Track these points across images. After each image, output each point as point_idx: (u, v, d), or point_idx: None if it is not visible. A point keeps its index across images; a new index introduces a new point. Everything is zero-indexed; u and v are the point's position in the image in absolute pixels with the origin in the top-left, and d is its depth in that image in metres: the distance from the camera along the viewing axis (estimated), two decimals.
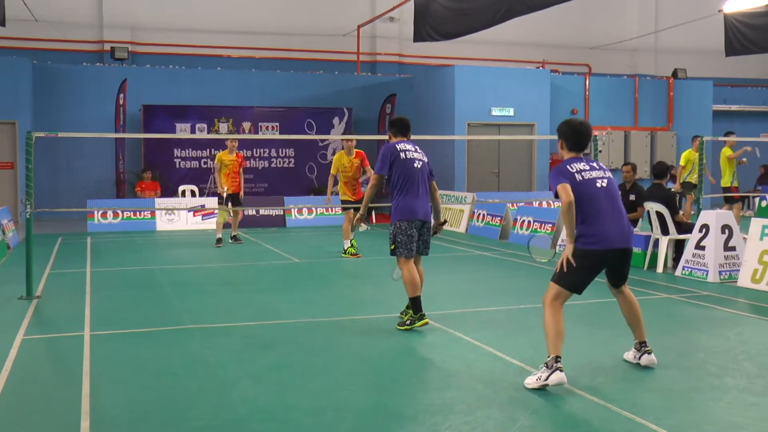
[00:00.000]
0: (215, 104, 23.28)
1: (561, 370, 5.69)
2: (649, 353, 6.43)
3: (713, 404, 5.78)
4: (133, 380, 6.21)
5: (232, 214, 15.79)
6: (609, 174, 6.32)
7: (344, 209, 14.23)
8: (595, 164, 6.30)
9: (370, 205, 8.55)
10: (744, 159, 18.09)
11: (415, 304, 7.72)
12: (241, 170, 15.74)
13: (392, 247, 7.84)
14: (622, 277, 6.54)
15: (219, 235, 15.63)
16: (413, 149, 7.99)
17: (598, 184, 6.13)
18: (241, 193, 15.82)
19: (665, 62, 30.05)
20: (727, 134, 18.53)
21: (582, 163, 6.21)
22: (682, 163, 17.94)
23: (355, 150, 14.15)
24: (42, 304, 9.48)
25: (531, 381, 5.78)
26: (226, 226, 16.17)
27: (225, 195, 15.47)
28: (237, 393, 5.83)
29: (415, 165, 7.89)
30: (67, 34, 24.17)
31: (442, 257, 13.81)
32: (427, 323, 7.72)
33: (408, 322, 7.72)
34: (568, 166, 6.16)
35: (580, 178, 6.08)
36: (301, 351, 7.20)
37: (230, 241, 16.02)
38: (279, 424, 5.19)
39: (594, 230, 6.06)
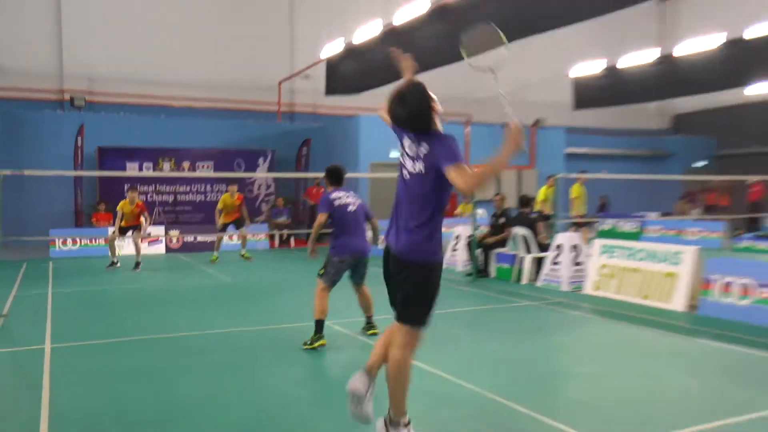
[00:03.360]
0: (160, 146, 22.91)
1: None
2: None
3: (565, 388, 6.03)
4: (88, 386, 6.13)
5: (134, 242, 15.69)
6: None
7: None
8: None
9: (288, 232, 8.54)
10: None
11: (317, 326, 7.48)
12: (145, 213, 15.75)
13: (321, 271, 7.65)
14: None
15: (114, 259, 15.59)
16: (346, 196, 7.79)
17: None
18: (142, 223, 15.70)
19: (529, 113, 30.73)
20: (581, 172, 19.14)
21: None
22: (540, 198, 18.44)
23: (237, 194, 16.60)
24: (8, 322, 9.20)
25: None
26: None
27: (116, 231, 15.47)
28: (179, 393, 5.82)
29: (349, 209, 7.69)
30: (32, 84, 23.57)
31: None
32: (324, 344, 7.44)
33: (309, 342, 7.42)
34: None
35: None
36: (233, 356, 7.20)
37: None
38: (216, 417, 5.20)
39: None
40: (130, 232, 15.53)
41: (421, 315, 4.36)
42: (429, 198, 4.33)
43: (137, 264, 15.23)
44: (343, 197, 7.74)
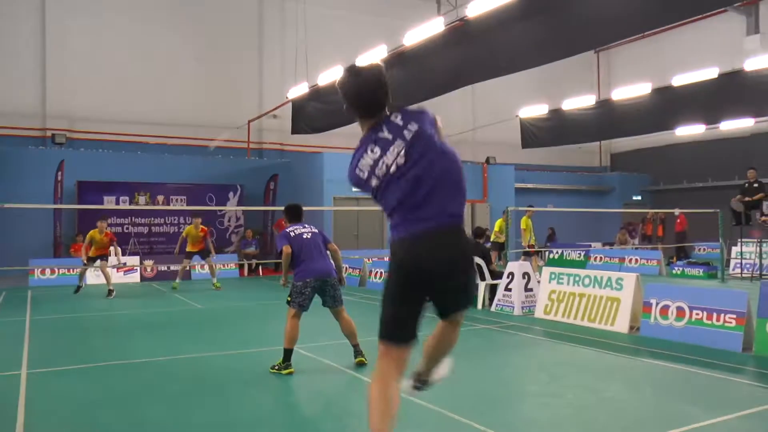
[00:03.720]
0: (135, 181, 22.64)
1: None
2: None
3: (518, 405, 5.98)
4: (63, 411, 5.90)
5: (103, 271, 15.56)
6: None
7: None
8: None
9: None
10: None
11: (286, 355, 7.22)
12: (114, 242, 15.82)
13: (288, 298, 7.45)
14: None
15: (80, 284, 16.00)
16: (302, 227, 7.63)
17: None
18: (110, 252, 15.73)
19: (480, 151, 31.11)
20: (529, 206, 19.38)
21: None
22: (496, 229, 18.63)
23: (201, 226, 16.69)
24: None
25: None
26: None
27: (86, 260, 15.48)
28: (150, 416, 5.62)
29: (305, 237, 7.49)
30: (16, 123, 23.21)
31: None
32: (292, 372, 7.16)
33: (277, 367, 7.24)
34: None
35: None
36: (203, 380, 7.00)
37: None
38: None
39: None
40: (97, 261, 15.35)
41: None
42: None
43: (110, 291, 14.95)
44: (298, 229, 7.61)
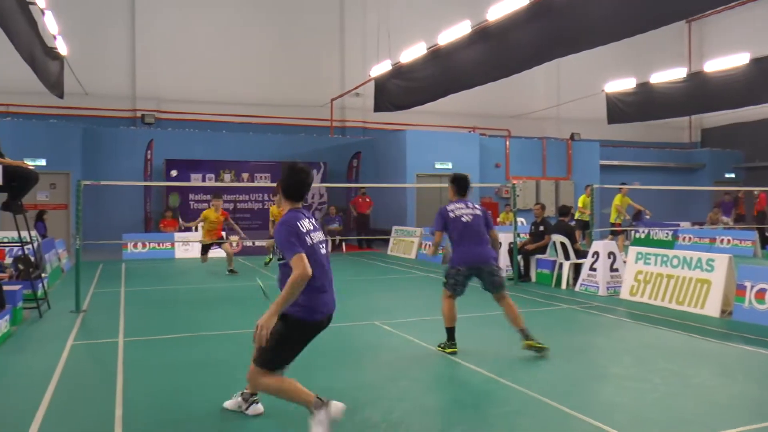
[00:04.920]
0: (221, 159, 23.27)
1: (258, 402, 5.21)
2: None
3: (601, 388, 5.89)
4: (156, 376, 6.20)
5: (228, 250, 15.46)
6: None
7: None
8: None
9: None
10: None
11: (449, 334, 7.06)
12: (230, 221, 15.14)
13: (444, 281, 7.11)
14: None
15: (231, 267, 15.33)
16: (464, 206, 7.06)
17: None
18: (223, 236, 15.53)
19: (565, 128, 30.50)
20: (622, 184, 18.86)
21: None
22: (580, 205, 18.23)
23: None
24: (87, 317, 9.40)
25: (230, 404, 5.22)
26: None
27: (202, 251, 15.35)
28: (234, 384, 5.76)
29: (464, 219, 6.95)
30: (109, 105, 24.16)
31: (397, 278, 13.85)
32: (455, 351, 6.94)
33: (442, 346, 7.08)
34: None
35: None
36: None
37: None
38: (271, 407, 5.19)
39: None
40: (214, 247, 15.22)
41: None
42: None
43: (231, 271, 14.81)
44: (459, 208, 7.06)
